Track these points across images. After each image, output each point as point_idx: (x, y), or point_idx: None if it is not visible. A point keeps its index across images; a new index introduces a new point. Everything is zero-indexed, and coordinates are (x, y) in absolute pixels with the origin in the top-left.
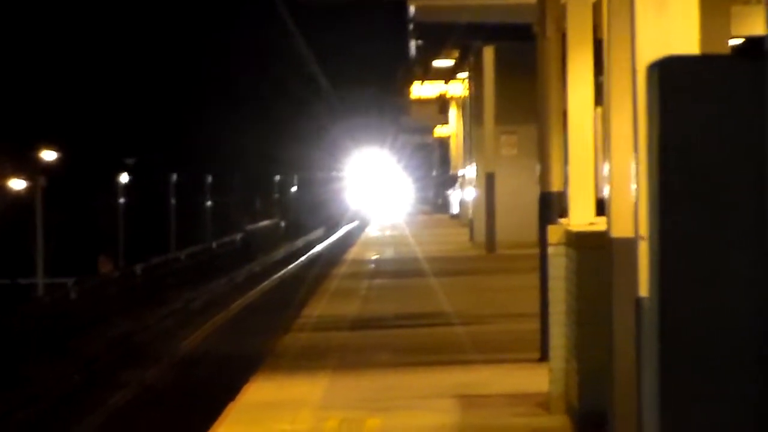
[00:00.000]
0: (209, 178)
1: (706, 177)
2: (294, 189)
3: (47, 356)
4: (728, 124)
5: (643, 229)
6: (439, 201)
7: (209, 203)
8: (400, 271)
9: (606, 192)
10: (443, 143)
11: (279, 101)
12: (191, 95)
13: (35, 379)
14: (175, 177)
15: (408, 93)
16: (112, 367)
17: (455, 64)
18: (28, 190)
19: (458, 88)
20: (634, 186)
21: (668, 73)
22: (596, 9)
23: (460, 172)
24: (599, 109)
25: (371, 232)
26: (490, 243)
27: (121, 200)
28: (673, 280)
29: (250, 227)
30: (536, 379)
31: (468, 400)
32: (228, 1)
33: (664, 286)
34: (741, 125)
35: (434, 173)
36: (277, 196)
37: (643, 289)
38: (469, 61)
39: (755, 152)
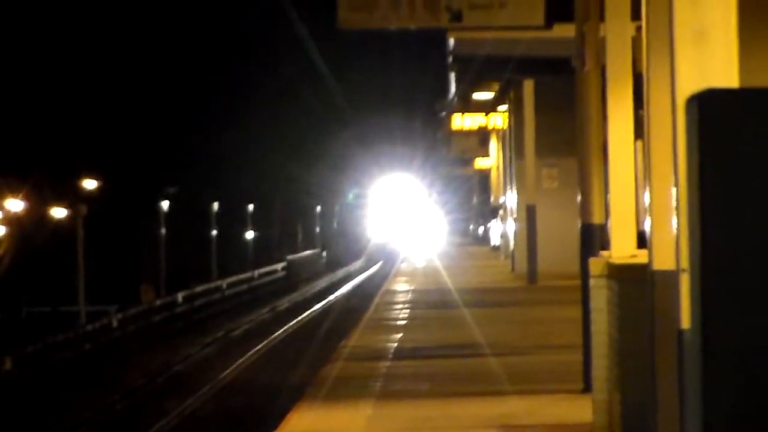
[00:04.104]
0: (250, 208)
1: (747, 209)
2: (335, 223)
3: (89, 384)
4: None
5: (685, 262)
6: (479, 233)
7: (250, 233)
8: (441, 302)
9: (647, 224)
10: (483, 175)
11: (311, 129)
12: (229, 125)
13: (77, 407)
14: (216, 206)
15: (448, 124)
16: (153, 395)
17: (495, 96)
18: (70, 218)
19: (499, 120)
20: (675, 218)
21: (708, 106)
22: (635, 43)
23: (501, 204)
24: (639, 142)
25: (411, 262)
26: (532, 274)
27: (163, 230)
28: (715, 312)
29: (291, 257)
30: (579, 410)
31: (511, 431)
32: (260, 34)
33: (707, 319)
34: None
35: (474, 205)
36: (318, 229)
37: (685, 321)
38: (509, 94)
39: None
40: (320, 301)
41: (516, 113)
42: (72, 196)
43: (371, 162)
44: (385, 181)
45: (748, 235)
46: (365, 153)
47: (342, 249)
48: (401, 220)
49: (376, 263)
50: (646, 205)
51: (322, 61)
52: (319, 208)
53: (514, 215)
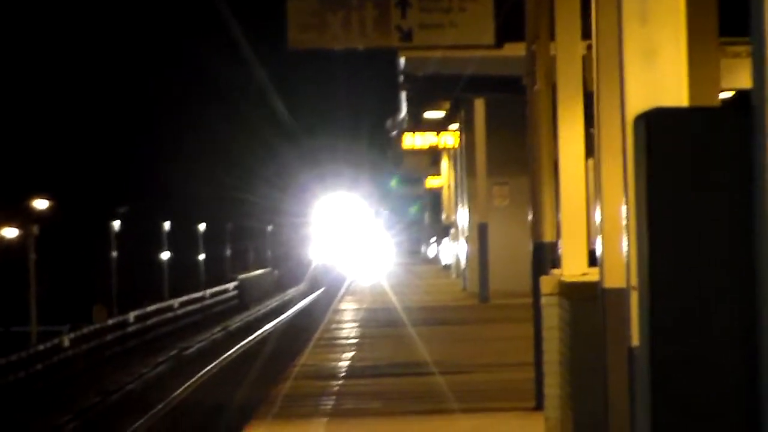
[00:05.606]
0: (201, 227)
1: (694, 228)
2: (283, 244)
3: (41, 403)
4: (715, 176)
5: (634, 280)
6: (429, 252)
7: (202, 253)
8: (392, 321)
9: (598, 243)
10: (434, 194)
11: (249, 147)
12: (179, 145)
13: (29, 427)
14: (167, 225)
15: (399, 143)
16: (106, 414)
17: (446, 115)
18: (21, 238)
19: (450, 139)
20: (625, 237)
21: (655, 125)
22: (586, 61)
23: (452, 222)
24: (590, 161)
25: (362, 282)
26: (484, 293)
27: (114, 251)
28: (663, 330)
29: (243, 276)
30: (531, 428)
31: None
32: (207, 55)
33: (654, 336)
34: (727, 177)
35: (425, 224)
36: (270, 253)
37: (635, 339)
38: (460, 112)
39: (742, 204)
40: (272, 320)
41: (467, 132)
42: (23, 216)
43: (318, 181)
44: (331, 200)
45: (696, 253)
46: (313, 172)
47: (286, 270)
48: (348, 241)
49: (318, 288)
50: (597, 223)
51: (269, 81)
52: (270, 228)
53: (466, 234)
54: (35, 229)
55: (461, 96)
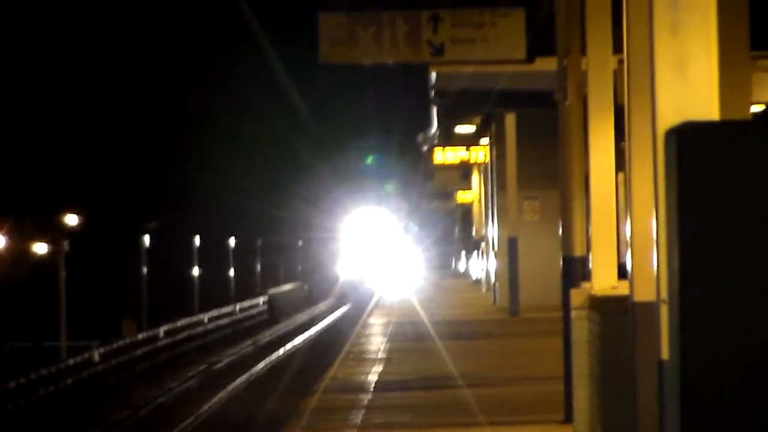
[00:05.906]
0: (232, 242)
1: (725, 241)
2: (316, 255)
3: (71, 417)
4: (747, 189)
5: (664, 293)
6: (460, 267)
7: (232, 268)
8: (422, 334)
9: (628, 256)
10: (465, 208)
11: (279, 161)
12: (209, 160)
13: None
14: (197, 240)
15: (431, 158)
16: (136, 429)
17: (477, 130)
18: (51, 253)
19: (481, 153)
20: (655, 250)
21: (686, 139)
22: (617, 75)
23: (483, 237)
24: (621, 175)
25: (391, 296)
26: (514, 307)
27: (144, 266)
28: (693, 344)
29: (272, 291)
30: None
31: None
32: (238, 69)
33: (684, 350)
34: (758, 191)
35: (456, 239)
36: (300, 267)
37: (665, 353)
38: (491, 127)
39: None
40: (301, 335)
41: (498, 146)
42: (54, 232)
43: (348, 196)
44: (361, 215)
45: (726, 266)
46: (343, 187)
47: (315, 285)
48: (377, 256)
49: (346, 303)
50: (627, 237)
51: (299, 95)
52: (300, 243)
53: (496, 248)
54: (66, 245)
55: (492, 111)
